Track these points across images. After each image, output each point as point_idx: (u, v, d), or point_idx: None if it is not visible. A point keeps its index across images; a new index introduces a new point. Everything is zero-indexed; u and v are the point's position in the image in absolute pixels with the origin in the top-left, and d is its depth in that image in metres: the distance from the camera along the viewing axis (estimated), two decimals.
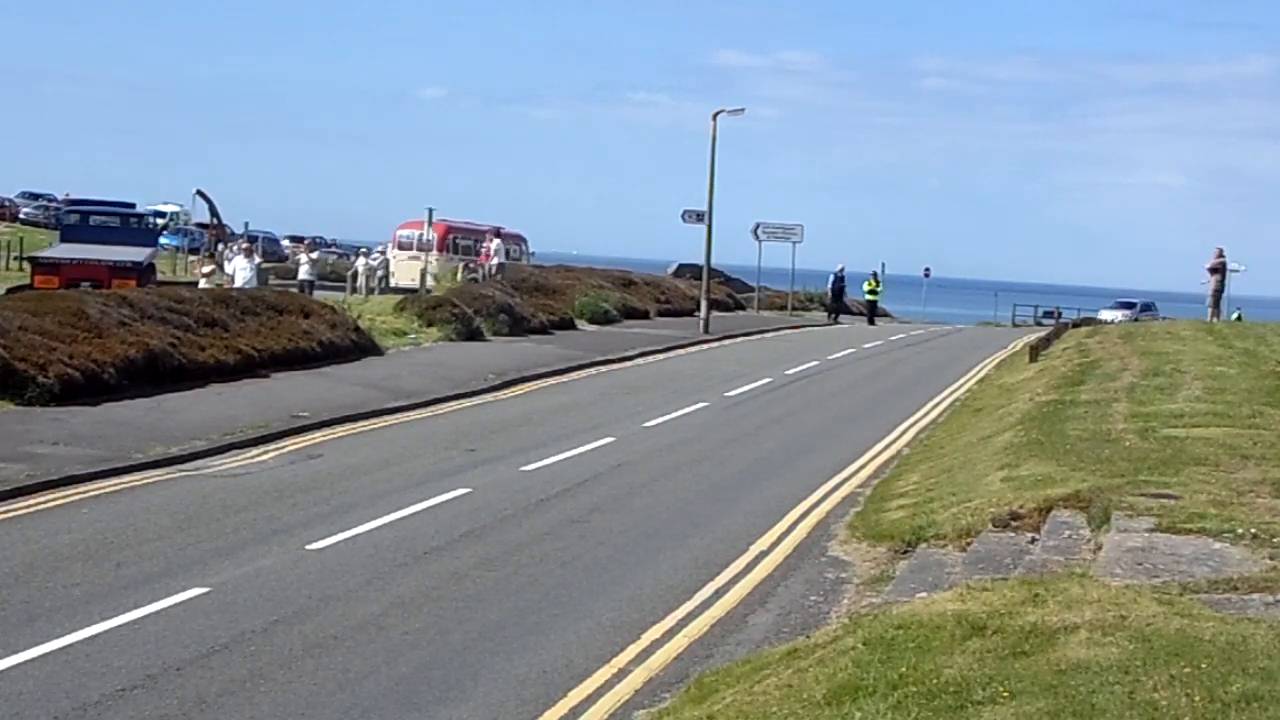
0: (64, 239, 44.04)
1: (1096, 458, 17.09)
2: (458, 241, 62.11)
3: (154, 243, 45.83)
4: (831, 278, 66.39)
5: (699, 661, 11.67)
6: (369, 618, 12.68)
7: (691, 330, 47.59)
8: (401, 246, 60.68)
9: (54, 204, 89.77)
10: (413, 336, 36.80)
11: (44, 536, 15.22)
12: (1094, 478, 15.77)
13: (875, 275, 66.10)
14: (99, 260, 38.50)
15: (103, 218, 45.06)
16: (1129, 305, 74.28)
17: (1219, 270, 44.34)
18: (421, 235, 59.11)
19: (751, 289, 70.15)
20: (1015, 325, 70.02)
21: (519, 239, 67.94)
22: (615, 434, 23.91)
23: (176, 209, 74.89)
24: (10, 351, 23.08)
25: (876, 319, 64.20)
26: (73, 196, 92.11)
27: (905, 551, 15.21)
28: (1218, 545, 12.49)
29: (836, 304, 65.25)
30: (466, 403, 27.66)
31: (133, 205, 49.50)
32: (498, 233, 58.63)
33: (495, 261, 53.07)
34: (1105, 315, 69.18)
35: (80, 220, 45.40)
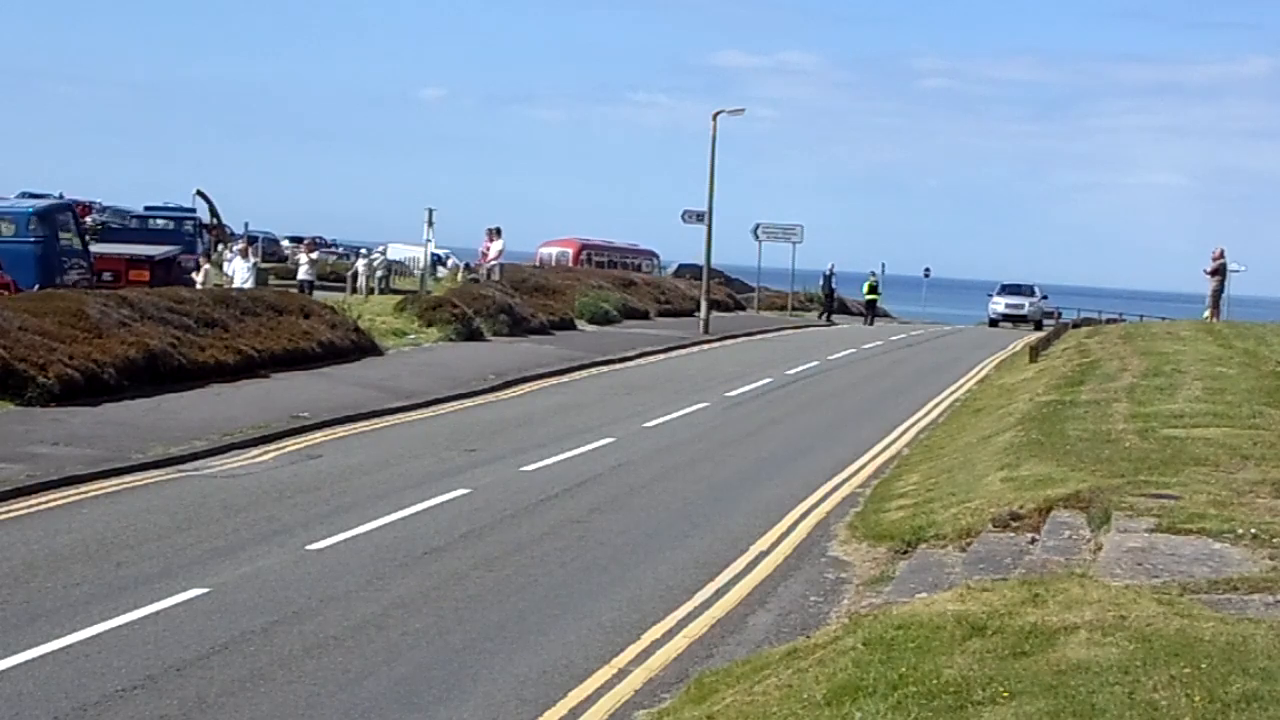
0: (101, 239, 49.51)
1: (1096, 458, 17.08)
2: (593, 258, 65.87)
3: (171, 241, 48.00)
4: (822, 278, 66.49)
5: (699, 661, 11.66)
6: (369, 618, 12.68)
7: (691, 330, 47.61)
8: (542, 263, 63.80)
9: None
10: (413, 337, 36.80)
11: (44, 536, 15.21)
12: (1094, 478, 15.76)
13: (875, 275, 66.10)
14: (118, 254, 42.10)
15: (158, 220, 51.91)
16: (1022, 290, 67.09)
17: (1219, 272, 44.36)
18: (563, 252, 63.50)
19: (751, 289, 70.22)
20: (1015, 325, 69.80)
21: (651, 255, 72.23)
22: (615, 434, 23.91)
23: None
24: (10, 351, 23.07)
25: (875, 319, 64.23)
26: (68, 196, 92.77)
27: (905, 552, 15.20)
28: (1218, 545, 12.48)
29: (829, 304, 65.32)
30: (466, 403, 27.66)
31: (192, 210, 55.51)
32: (498, 233, 58.82)
33: (494, 263, 53.03)
34: (998, 303, 66.83)
35: (140, 224, 52.10)
